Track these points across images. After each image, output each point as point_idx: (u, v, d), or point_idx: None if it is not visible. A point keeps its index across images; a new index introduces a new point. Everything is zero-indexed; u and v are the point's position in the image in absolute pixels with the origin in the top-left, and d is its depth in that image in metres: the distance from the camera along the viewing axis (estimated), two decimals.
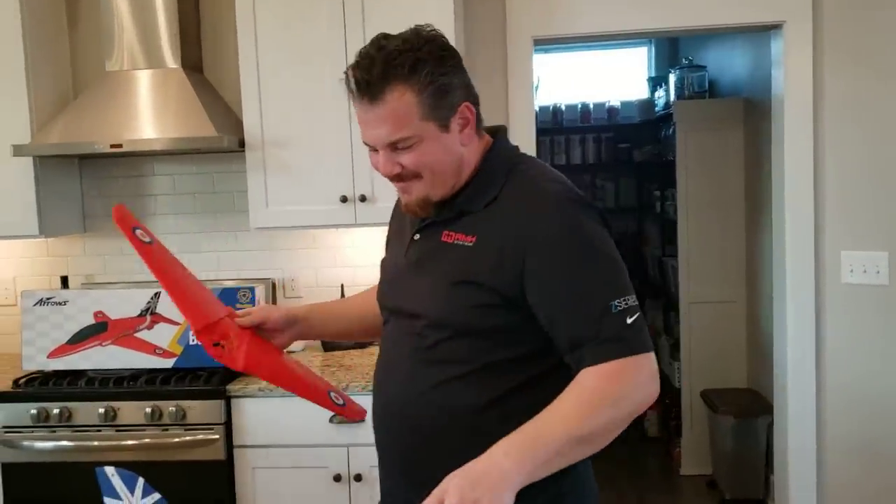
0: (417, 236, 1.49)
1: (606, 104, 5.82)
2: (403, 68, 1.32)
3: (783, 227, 3.17)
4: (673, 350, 4.66)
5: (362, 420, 1.62)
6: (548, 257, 1.32)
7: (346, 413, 1.62)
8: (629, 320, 1.29)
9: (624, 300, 1.30)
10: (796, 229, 3.14)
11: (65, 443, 2.66)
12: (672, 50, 5.69)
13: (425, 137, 1.36)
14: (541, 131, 5.75)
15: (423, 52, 1.35)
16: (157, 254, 1.55)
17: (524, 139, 3.19)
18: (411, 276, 1.48)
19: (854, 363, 3.12)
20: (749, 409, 3.91)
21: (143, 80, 2.96)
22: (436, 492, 1.14)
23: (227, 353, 1.52)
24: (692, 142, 4.30)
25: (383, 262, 1.65)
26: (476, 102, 1.45)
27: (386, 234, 1.70)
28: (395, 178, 1.42)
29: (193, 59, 3.12)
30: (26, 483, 2.70)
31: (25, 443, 2.67)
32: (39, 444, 2.67)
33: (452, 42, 2.71)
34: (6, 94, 2.93)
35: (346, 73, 1.37)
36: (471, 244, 1.39)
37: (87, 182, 3.30)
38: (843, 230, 3.09)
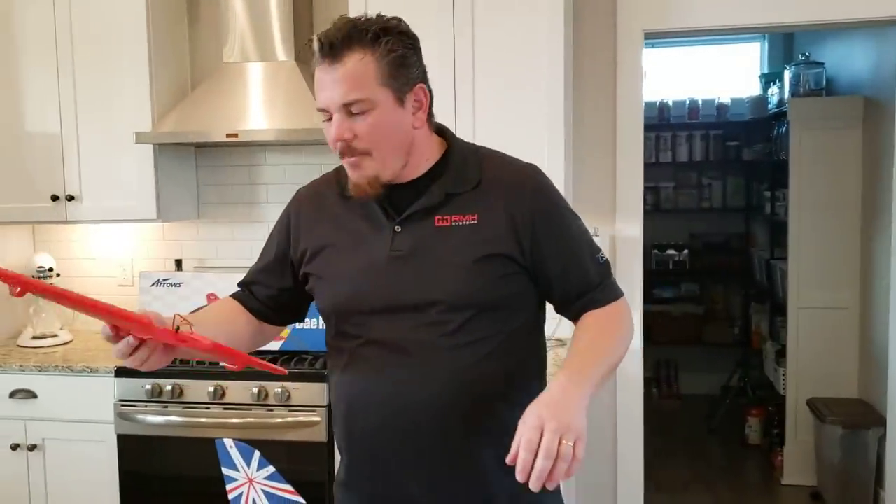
0: (399, 228, 1.46)
1: (716, 101, 5.66)
2: (367, 34, 1.37)
3: None
4: (778, 356, 4.52)
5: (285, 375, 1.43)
6: (552, 222, 1.48)
7: (277, 369, 1.42)
8: (611, 269, 1.55)
9: (603, 253, 1.54)
10: None
11: (175, 418, 2.78)
12: (787, 45, 5.49)
13: (380, 105, 1.38)
14: (646, 127, 5.61)
15: (388, 26, 1.41)
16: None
17: (632, 135, 3.14)
18: (407, 266, 1.44)
19: None
20: (859, 420, 3.76)
21: (257, 72, 3.06)
22: (531, 424, 1.19)
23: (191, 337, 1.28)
24: (807, 141, 4.14)
25: (333, 264, 1.52)
26: (431, 93, 1.48)
27: (303, 242, 1.57)
28: (346, 151, 1.41)
29: (307, 53, 3.20)
30: (139, 454, 2.84)
31: (139, 416, 2.81)
32: (152, 418, 2.80)
33: (561, 35, 2.74)
34: (130, 84, 3.08)
35: (311, 39, 1.41)
36: (475, 222, 1.45)
37: (201, 170, 3.44)
38: None
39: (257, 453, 1.28)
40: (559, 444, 1.17)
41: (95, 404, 2.89)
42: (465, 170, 1.49)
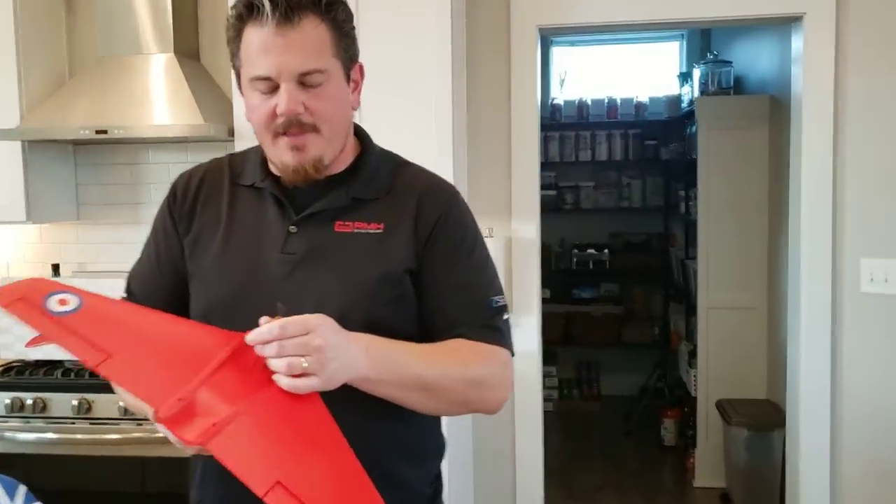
0: (294, 229, 1.29)
1: (634, 100, 5.63)
2: (321, 1, 1.23)
3: (799, 232, 3.00)
4: (691, 357, 4.49)
5: None
6: (453, 235, 1.32)
7: None
8: (505, 317, 1.33)
9: (502, 298, 1.34)
10: (813, 234, 2.96)
11: (39, 434, 2.61)
12: (704, 44, 5.48)
13: (333, 77, 1.26)
14: (565, 126, 5.64)
15: None
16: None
17: (526, 136, 3.05)
18: (297, 272, 1.27)
19: (871, 375, 2.95)
20: (764, 421, 3.73)
21: (135, 65, 2.89)
22: (302, 320, 1.06)
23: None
24: (714, 140, 4.12)
25: (212, 257, 1.32)
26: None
27: (184, 229, 1.36)
28: (292, 127, 1.23)
29: (189, 46, 3.04)
30: None
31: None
32: (12, 435, 2.62)
33: (450, 29, 2.64)
34: None
35: None
36: (380, 231, 1.30)
37: (81, 169, 3.25)
38: (864, 237, 2.91)
39: (23, 488, 1.13)
40: (299, 356, 1.04)
41: None
42: (375, 175, 1.34)
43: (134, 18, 2.90)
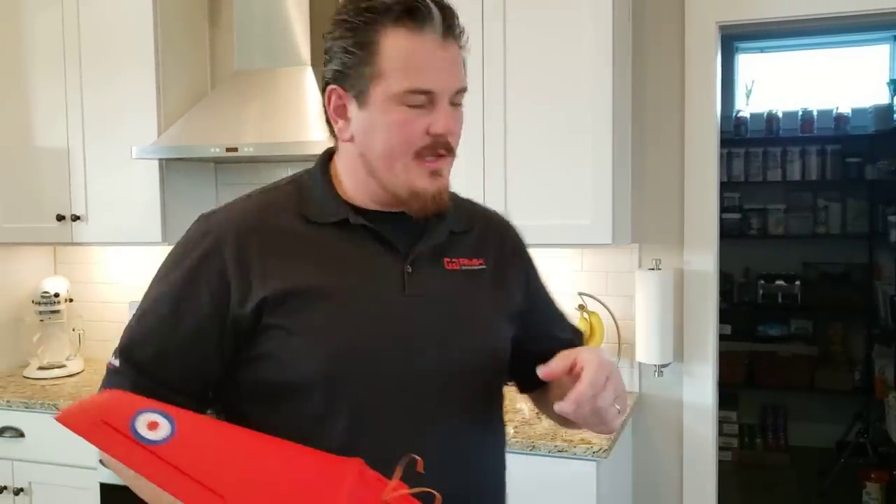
0: (410, 268, 1.17)
1: (834, 111, 4.96)
2: (460, 27, 1.17)
3: None
4: None
5: None
6: (535, 270, 1.37)
7: None
8: None
9: None
10: None
11: None
12: None
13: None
14: (752, 142, 5.06)
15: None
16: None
17: (704, 151, 2.61)
18: (428, 318, 1.17)
19: None
20: None
21: (269, 79, 2.73)
22: (599, 367, 1.06)
23: None
24: None
25: (322, 312, 1.12)
26: None
27: (258, 288, 1.13)
28: (442, 148, 1.14)
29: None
30: None
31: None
32: None
33: (611, 28, 2.28)
34: (137, 94, 2.81)
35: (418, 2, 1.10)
36: (483, 267, 1.24)
37: (223, 188, 3.13)
38: None
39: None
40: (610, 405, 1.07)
41: (80, 447, 2.57)
42: (458, 206, 1.27)
43: (269, 29, 2.74)
